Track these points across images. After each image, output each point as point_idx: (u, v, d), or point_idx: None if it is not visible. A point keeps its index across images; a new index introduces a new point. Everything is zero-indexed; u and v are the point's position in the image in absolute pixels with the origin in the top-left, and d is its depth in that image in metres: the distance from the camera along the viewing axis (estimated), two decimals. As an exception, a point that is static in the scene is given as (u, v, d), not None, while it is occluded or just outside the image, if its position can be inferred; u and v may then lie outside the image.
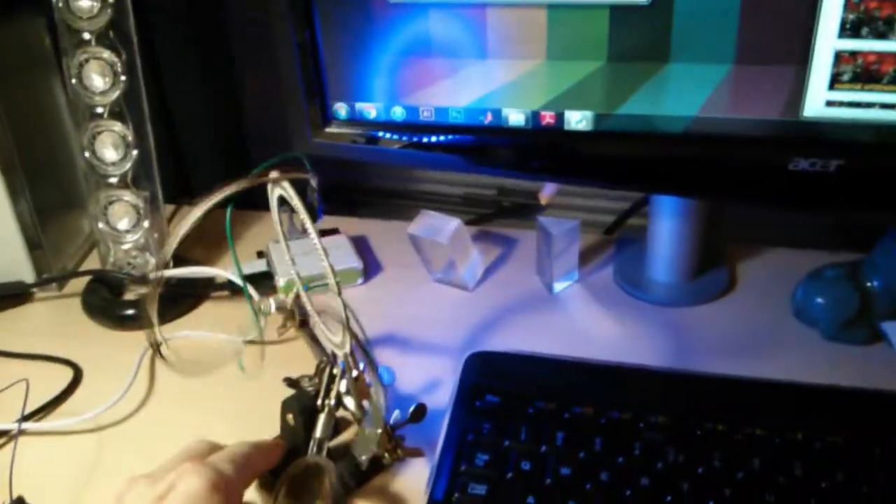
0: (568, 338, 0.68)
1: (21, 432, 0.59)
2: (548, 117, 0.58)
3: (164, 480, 0.44)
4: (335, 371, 0.51)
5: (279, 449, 0.52)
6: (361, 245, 0.81)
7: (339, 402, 0.51)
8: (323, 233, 0.82)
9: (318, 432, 0.50)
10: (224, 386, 0.62)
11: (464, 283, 0.75)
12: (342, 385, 0.50)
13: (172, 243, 0.46)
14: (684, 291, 0.73)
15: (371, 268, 0.79)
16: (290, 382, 0.51)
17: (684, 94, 0.55)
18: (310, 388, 0.53)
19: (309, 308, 0.50)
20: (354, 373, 0.50)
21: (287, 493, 0.47)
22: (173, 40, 0.87)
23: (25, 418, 0.60)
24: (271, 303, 0.49)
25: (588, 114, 0.57)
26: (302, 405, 0.52)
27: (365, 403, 0.50)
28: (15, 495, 0.53)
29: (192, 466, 0.44)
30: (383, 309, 0.73)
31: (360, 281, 0.77)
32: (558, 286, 0.74)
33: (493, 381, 0.59)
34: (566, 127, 0.57)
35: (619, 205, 0.86)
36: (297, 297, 0.50)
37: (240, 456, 0.47)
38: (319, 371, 0.52)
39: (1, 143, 0.71)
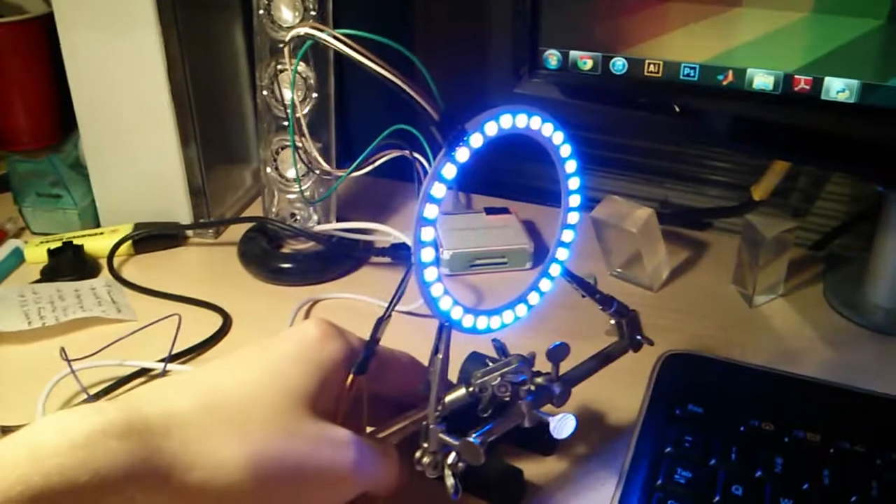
0: (771, 357, 0.58)
1: (165, 373, 0.55)
2: (802, 82, 0.49)
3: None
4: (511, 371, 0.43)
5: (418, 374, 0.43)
6: (531, 229, 0.74)
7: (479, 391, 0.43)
8: (491, 210, 0.75)
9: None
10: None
11: (648, 282, 0.66)
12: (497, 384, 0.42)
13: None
14: (911, 321, 0.62)
15: (541, 252, 0.71)
16: (498, 345, 0.44)
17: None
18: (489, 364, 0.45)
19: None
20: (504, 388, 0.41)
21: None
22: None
23: (171, 359, 0.56)
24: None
25: (853, 83, 0.48)
26: (471, 371, 0.44)
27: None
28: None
29: (313, 318, 0.40)
30: (552, 297, 0.65)
31: (528, 265, 0.69)
32: (759, 299, 0.64)
33: (694, 387, 0.50)
34: (824, 96, 0.48)
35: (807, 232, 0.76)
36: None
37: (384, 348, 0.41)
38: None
39: (179, 86, 0.69)
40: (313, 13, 0.62)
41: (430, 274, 0.37)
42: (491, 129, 0.36)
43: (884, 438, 0.46)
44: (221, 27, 0.78)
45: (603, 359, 0.47)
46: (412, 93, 0.34)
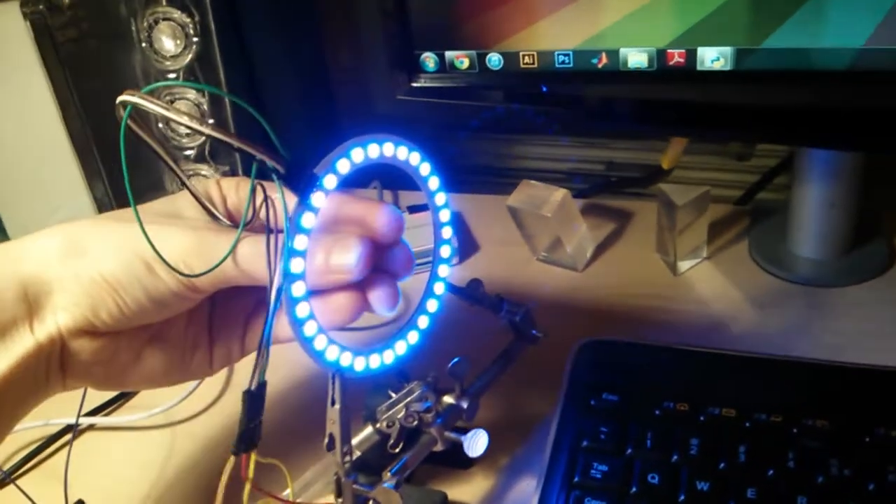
0: (696, 326, 0.58)
1: (79, 431, 0.54)
2: (676, 56, 0.48)
3: None
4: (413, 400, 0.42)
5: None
6: (456, 222, 0.73)
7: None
8: (414, 208, 0.74)
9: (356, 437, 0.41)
10: (308, 385, 0.55)
11: (572, 263, 0.66)
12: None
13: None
14: (835, 269, 0.62)
15: (467, 246, 0.71)
16: (400, 374, 0.43)
17: (848, 22, 0.44)
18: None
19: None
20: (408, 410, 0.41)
21: None
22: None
23: (92, 413, 0.55)
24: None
25: (727, 50, 0.47)
26: (373, 406, 0.43)
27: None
28: (74, 499, 0.47)
29: None
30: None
31: (455, 261, 0.69)
32: (683, 265, 0.64)
33: (609, 375, 0.50)
34: (699, 67, 0.47)
35: (748, 175, 0.75)
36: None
37: None
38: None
39: (75, 125, 0.67)
40: (196, 40, 0.61)
41: (310, 328, 0.35)
42: (343, 166, 0.35)
43: (798, 405, 0.46)
44: (117, 57, 0.76)
45: (504, 361, 0.46)
46: (251, 150, 0.33)
